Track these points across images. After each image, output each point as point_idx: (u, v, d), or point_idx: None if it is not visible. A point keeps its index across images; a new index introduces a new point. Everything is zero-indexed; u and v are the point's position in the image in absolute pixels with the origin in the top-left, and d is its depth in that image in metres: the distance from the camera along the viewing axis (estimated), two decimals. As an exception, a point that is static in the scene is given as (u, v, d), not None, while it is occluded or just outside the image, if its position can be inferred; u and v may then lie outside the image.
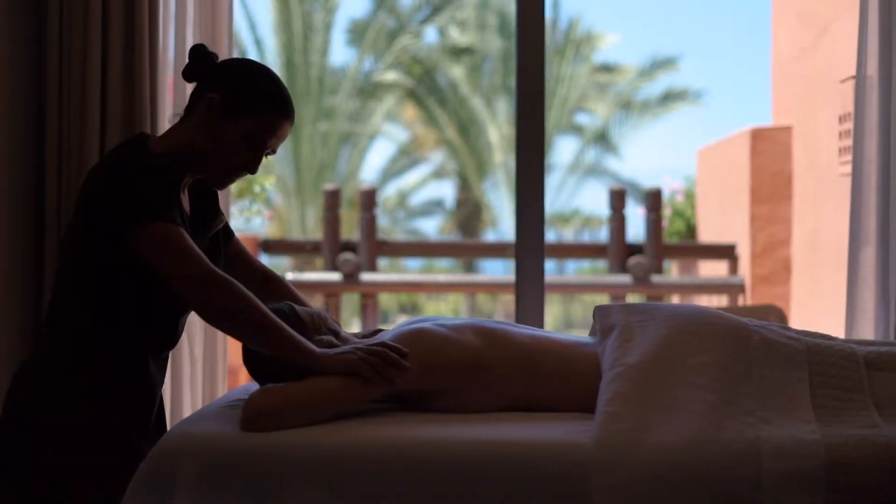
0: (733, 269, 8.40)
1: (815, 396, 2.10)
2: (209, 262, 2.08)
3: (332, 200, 8.52)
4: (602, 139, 14.49)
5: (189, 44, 2.95)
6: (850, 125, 6.03)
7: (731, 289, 8.21)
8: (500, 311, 13.77)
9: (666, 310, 2.30)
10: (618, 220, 8.57)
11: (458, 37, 14.41)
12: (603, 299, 9.25)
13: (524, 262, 3.34)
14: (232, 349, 3.75)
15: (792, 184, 7.73)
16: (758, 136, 7.91)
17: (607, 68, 14.56)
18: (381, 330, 2.38)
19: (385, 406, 2.23)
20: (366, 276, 8.31)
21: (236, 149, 2.16)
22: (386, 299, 13.66)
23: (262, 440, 1.98)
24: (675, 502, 1.90)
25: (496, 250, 9.73)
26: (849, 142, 6.07)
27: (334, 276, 8.22)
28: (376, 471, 1.95)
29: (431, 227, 15.94)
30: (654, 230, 8.58)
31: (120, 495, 2.04)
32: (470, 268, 13.76)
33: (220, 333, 3.03)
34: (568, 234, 15.08)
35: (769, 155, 7.81)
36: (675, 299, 8.85)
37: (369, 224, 8.48)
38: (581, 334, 2.49)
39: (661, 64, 14.15)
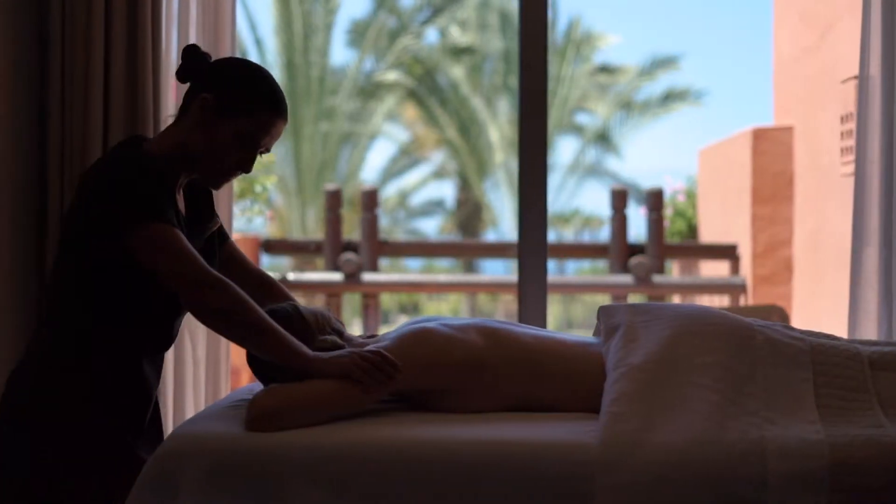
0: (735, 269, 8.40)
1: (820, 396, 2.10)
2: (205, 263, 2.08)
3: (334, 200, 8.52)
4: (602, 139, 14.49)
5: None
6: (851, 125, 6.03)
7: (733, 289, 8.21)
8: (501, 311, 13.77)
9: (670, 310, 2.30)
10: (619, 220, 8.57)
11: (458, 36, 14.41)
12: (604, 299, 9.25)
13: (527, 261, 3.33)
14: (234, 350, 3.75)
15: (793, 184, 7.73)
16: (759, 136, 7.91)
17: (608, 68, 14.56)
18: (374, 336, 2.36)
19: (389, 406, 2.23)
20: (367, 277, 8.31)
21: (230, 148, 2.16)
22: (386, 299, 13.66)
23: (267, 440, 1.98)
24: (679, 502, 1.90)
25: (497, 250, 9.74)
26: (850, 142, 6.07)
27: (336, 277, 8.22)
28: (380, 471, 1.95)
29: (432, 228, 15.95)
30: (656, 230, 8.57)
31: (114, 495, 2.05)
32: (470, 268, 13.76)
33: (222, 334, 3.03)
34: (568, 234, 15.08)
35: (771, 155, 7.81)
36: (677, 299, 8.85)
37: (371, 224, 8.48)
38: (581, 334, 2.49)
39: (662, 63, 14.15)
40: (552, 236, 14.10)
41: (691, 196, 9.92)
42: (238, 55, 3.07)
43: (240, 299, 2.05)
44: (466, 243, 12.68)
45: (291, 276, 8.11)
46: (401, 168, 15.21)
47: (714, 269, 8.98)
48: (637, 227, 10.00)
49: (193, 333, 3.00)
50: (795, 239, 7.71)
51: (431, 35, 14.67)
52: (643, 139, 19.37)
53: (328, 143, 13.88)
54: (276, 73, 13.49)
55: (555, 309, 14.09)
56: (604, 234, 14.57)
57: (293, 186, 13.64)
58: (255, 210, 6.23)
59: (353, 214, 12.67)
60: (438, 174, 15.32)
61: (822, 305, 6.93)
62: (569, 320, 14.34)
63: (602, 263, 12.22)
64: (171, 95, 2.94)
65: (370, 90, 14.30)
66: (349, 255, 8.21)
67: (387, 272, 10.00)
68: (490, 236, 15.15)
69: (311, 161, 13.64)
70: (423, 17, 14.39)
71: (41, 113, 2.86)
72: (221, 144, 2.15)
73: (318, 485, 1.94)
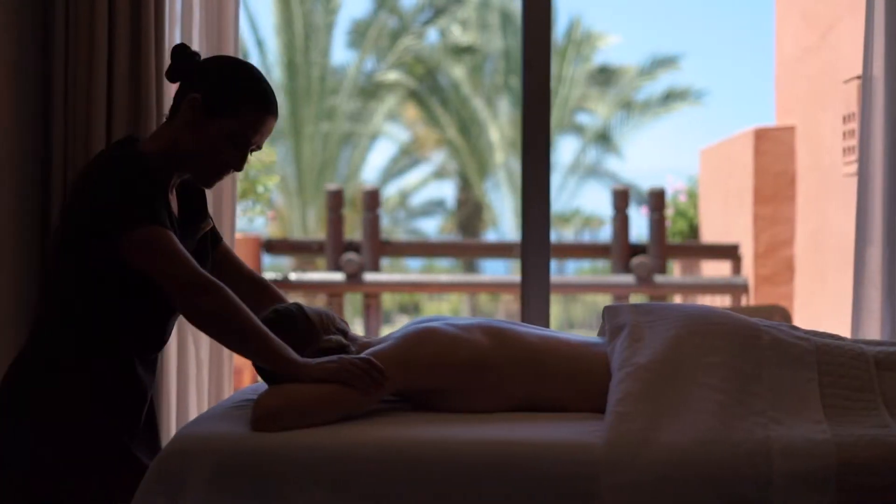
0: (736, 269, 8.40)
1: (825, 396, 2.10)
2: (197, 265, 2.08)
3: (335, 200, 8.52)
4: (603, 139, 14.49)
5: (195, 46, 2.95)
6: (853, 125, 6.03)
7: (735, 289, 8.20)
8: (502, 311, 13.77)
9: (675, 310, 2.30)
10: (621, 220, 8.57)
11: (459, 35, 14.41)
12: (605, 299, 9.25)
13: (529, 262, 3.33)
14: (237, 350, 3.75)
15: (795, 184, 7.73)
16: (761, 136, 7.91)
17: (608, 68, 14.56)
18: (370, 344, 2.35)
19: (393, 406, 2.23)
20: (369, 277, 8.31)
21: (221, 148, 2.16)
22: (387, 299, 13.66)
23: (272, 440, 1.98)
24: (684, 502, 1.90)
25: (499, 250, 9.74)
26: (852, 142, 6.07)
27: (337, 277, 8.22)
28: (383, 471, 1.95)
29: (432, 228, 15.95)
30: (658, 230, 8.57)
31: (111, 495, 2.06)
32: (470, 268, 13.76)
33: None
34: (568, 234, 15.09)
35: (772, 155, 7.81)
36: (678, 299, 8.85)
37: (372, 224, 8.48)
38: (581, 334, 2.49)
39: (663, 63, 14.14)
40: (552, 236, 14.09)
41: (693, 196, 9.92)
42: (240, 55, 3.07)
43: (231, 303, 2.05)
44: (468, 243, 12.68)
45: (293, 276, 8.11)
46: (401, 168, 15.21)
47: (715, 269, 8.98)
48: (637, 227, 10.01)
49: (196, 334, 3.00)
50: (797, 239, 7.71)
51: (432, 35, 14.68)
52: (643, 139, 19.37)
53: (329, 143, 13.89)
54: (277, 73, 13.55)
55: (555, 309, 14.08)
56: (603, 235, 14.56)
57: (294, 186, 13.65)
58: (257, 210, 6.23)
59: (353, 214, 12.67)
60: (439, 174, 15.33)
61: (823, 305, 6.93)
62: (569, 320, 14.34)
63: (602, 263, 12.22)
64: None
65: (371, 90, 14.31)
66: (351, 255, 8.21)
67: (387, 272, 10.00)
68: (490, 236, 15.16)
69: (311, 161, 13.65)
70: (424, 18, 14.40)
71: (44, 114, 2.86)
72: (212, 144, 2.15)
73: (323, 485, 1.94)
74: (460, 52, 14.27)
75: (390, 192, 15.05)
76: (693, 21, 22.58)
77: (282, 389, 2.05)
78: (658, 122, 14.44)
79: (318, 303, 8.46)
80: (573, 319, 14.35)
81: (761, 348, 2.17)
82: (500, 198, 14.46)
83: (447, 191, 16.42)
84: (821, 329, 2.38)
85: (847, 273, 3.28)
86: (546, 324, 3.34)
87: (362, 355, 2.14)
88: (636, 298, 8.61)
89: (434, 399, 2.19)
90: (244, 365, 5.96)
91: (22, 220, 2.82)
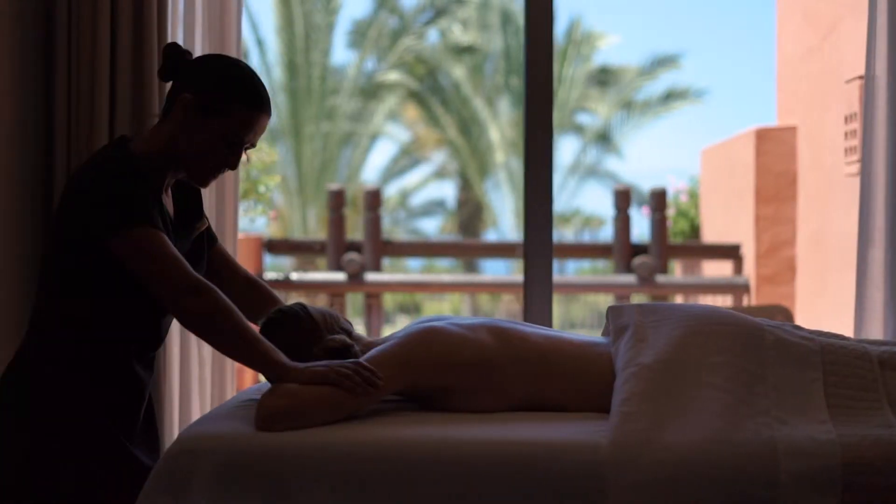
0: (738, 269, 8.40)
1: (830, 396, 2.10)
2: (189, 267, 2.07)
3: (337, 200, 8.52)
4: (603, 139, 14.49)
5: (198, 46, 2.94)
6: (855, 125, 6.03)
7: (736, 289, 8.21)
8: (502, 311, 13.77)
9: (679, 310, 2.30)
10: (623, 220, 8.57)
11: (459, 36, 14.42)
12: (606, 299, 9.26)
13: (532, 262, 3.33)
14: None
15: (796, 184, 7.73)
16: (762, 136, 7.91)
17: (608, 68, 14.56)
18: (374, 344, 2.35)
19: (398, 406, 2.23)
20: (370, 277, 8.31)
21: (214, 147, 2.15)
22: (387, 299, 13.67)
23: (277, 439, 1.98)
24: (690, 502, 1.90)
25: (500, 250, 9.74)
26: (854, 142, 6.08)
27: (339, 276, 8.23)
28: (388, 470, 1.95)
29: (432, 228, 15.96)
30: (659, 230, 8.57)
31: (110, 494, 2.07)
32: (469, 268, 13.77)
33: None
34: (568, 234, 15.09)
35: (774, 155, 7.81)
36: (680, 299, 8.85)
37: (374, 224, 8.48)
38: (581, 334, 2.49)
39: (663, 62, 14.15)
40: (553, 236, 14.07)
41: (694, 196, 9.92)
42: (242, 55, 3.07)
43: (222, 306, 2.05)
44: (470, 243, 12.68)
45: (295, 276, 8.12)
46: (402, 168, 15.22)
47: (717, 270, 8.98)
48: (638, 227, 10.01)
49: (199, 334, 2.99)
50: (798, 239, 7.71)
51: (432, 35, 14.69)
52: (644, 139, 19.37)
53: (329, 143, 13.90)
54: (278, 72, 13.56)
55: (555, 309, 14.05)
56: (603, 235, 14.57)
57: (294, 186, 13.66)
58: (258, 210, 6.23)
59: (353, 214, 12.68)
60: (439, 174, 15.34)
61: (825, 305, 6.93)
62: (569, 320, 14.34)
63: (602, 263, 12.22)
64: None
65: (371, 90, 14.32)
66: (352, 255, 8.21)
67: (388, 272, 10.01)
68: (490, 236, 15.17)
69: (312, 161, 13.66)
70: (425, 18, 14.40)
71: (47, 117, 2.86)
72: (205, 144, 2.14)
73: (328, 484, 1.94)
74: (461, 52, 14.28)
75: (391, 192, 15.06)
76: (693, 20, 22.58)
77: (285, 389, 2.05)
78: (658, 122, 14.45)
79: (320, 303, 8.47)
80: (573, 319, 14.35)
81: (766, 348, 2.17)
82: (501, 198, 14.47)
83: (447, 191, 16.44)
84: (822, 329, 2.39)
85: (848, 273, 3.28)
86: (549, 323, 3.35)
87: (367, 355, 2.14)
88: (638, 298, 8.61)
89: (438, 398, 2.19)
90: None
91: (23, 221, 2.82)
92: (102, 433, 2.12)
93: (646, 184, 11.37)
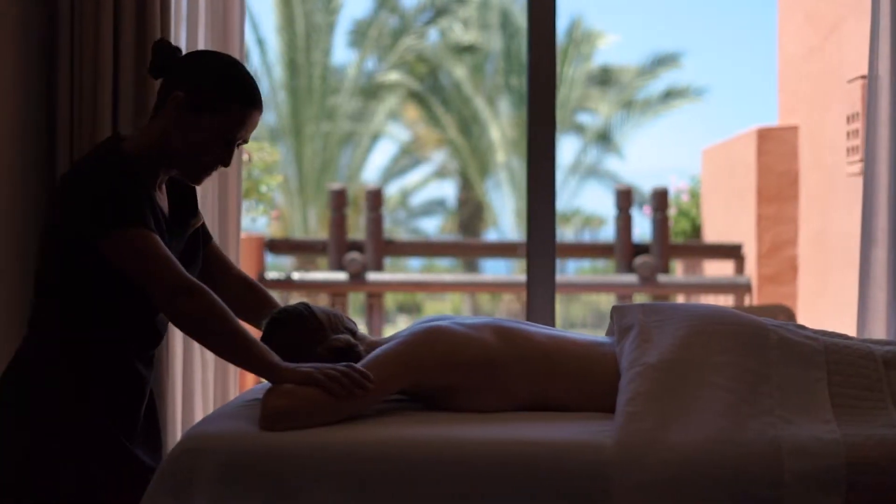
0: (739, 268, 8.40)
1: (834, 396, 2.10)
2: (182, 268, 2.07)
3: (339, 200, 8.52)
4: (604, 139, 14.49)
5: (200, 45, 2.94)
6: (857, 125, 6.03)
7: (738, 288, 8.21)
8: (503, 311, 13.78)
9: (683, 310, 2.30)
10: (624, 219, 8.58)
11: (460, 35, 14.42)
12: (608, 299, 9.26)
13: (535, 261, 3.33)
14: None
15: (798, 183, 7.74)
16: (764, 135, 7.91)
17: (608, 68, 14.57)
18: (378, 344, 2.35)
19: (401, 405, 2.22)
20: (372, 276, 8.31)
21: (206, 144, 2.14)
22: (387, 299, 13.68)
23: (280, 439, 1.98)
24: (695, 501, 1.90)
25: (502, 250, 9.74)
26: (856, 142, 6.07)
27: (340, 276, 8.23)
28: (391, 470, 1.95)
29: (433, 227, 15.97)
30: (661, 230, 8.57)
31: (111, 493, 2.07)
32: (469, 267, 13.77)
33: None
34: (569, 234, 15.10)
35: (775, 155, 7.81)
36: (681, 299, 8.86)
37: (375, 224, 8.48)
38: (581, 334, 2.49)
39: (663, 61, 14.15)
40: (554, 236, 14.06)
41: (695, 196, 9.92)
42: (244, 54, 3.07)
43: (214, 307, 2.04)
44: (471, 243, 12.68)
45: (296, 275, 8.12)
46: (402, 168, 15.24)
47: (718, 269, 8.98)
48: (639, 226, 10.01)
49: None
50: (800, 238, 7.71)
51: (433, 35, 14.69)
52: (644, 138, 19.39)
53: (330, 143, 13.90)
54: (278, 72, 13.56)
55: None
56: (604, 234, 14.57)
57: (295, 186, 13.66)
58: (260, 210, 6.23)
59: (354, 214, 12.68)
60: (440, 174, 15.35)
61: (826, 305, 6.93)
62: (570, 320, 14.34)
63: (602, 263, 12.22)
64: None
65: (372, 90, 14.33)
66: (354, 255, 8.21)
67: (389, 272, 10.01)
68: (491, 236, 15.17)
69: (312, 161, 13.66)
70: (425, 18, 14.41)
71: (50, 116, 2.86)
72: (197, 141, 2.13)
73: (331, 483, 1.94)
74: (461, 51, 14.28)
75: (391, 191, 15.06)
76: (694, 20, 22.59)
77: (286, 389, 2.04)
78: (658, 121, 14.49)
79: (321, 302, 8.47)
80: (573, 319, 14.35)
81: (770, 348, 2.16)
82: (501, 197, 14.48)
83: (448, 190, 16.44)
84: (824, 329, 2.38)
85: (850, 273, 3.27)
86: (552, 323, 3.34)
87: (371, 354, 2.14)
88: (639, 298, 8.61)
89: (442, 398, 2.19)
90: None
91: (24, 221, 2.81)
92: (102, 433, 2.12)
93: (646, 183, 11.39)
